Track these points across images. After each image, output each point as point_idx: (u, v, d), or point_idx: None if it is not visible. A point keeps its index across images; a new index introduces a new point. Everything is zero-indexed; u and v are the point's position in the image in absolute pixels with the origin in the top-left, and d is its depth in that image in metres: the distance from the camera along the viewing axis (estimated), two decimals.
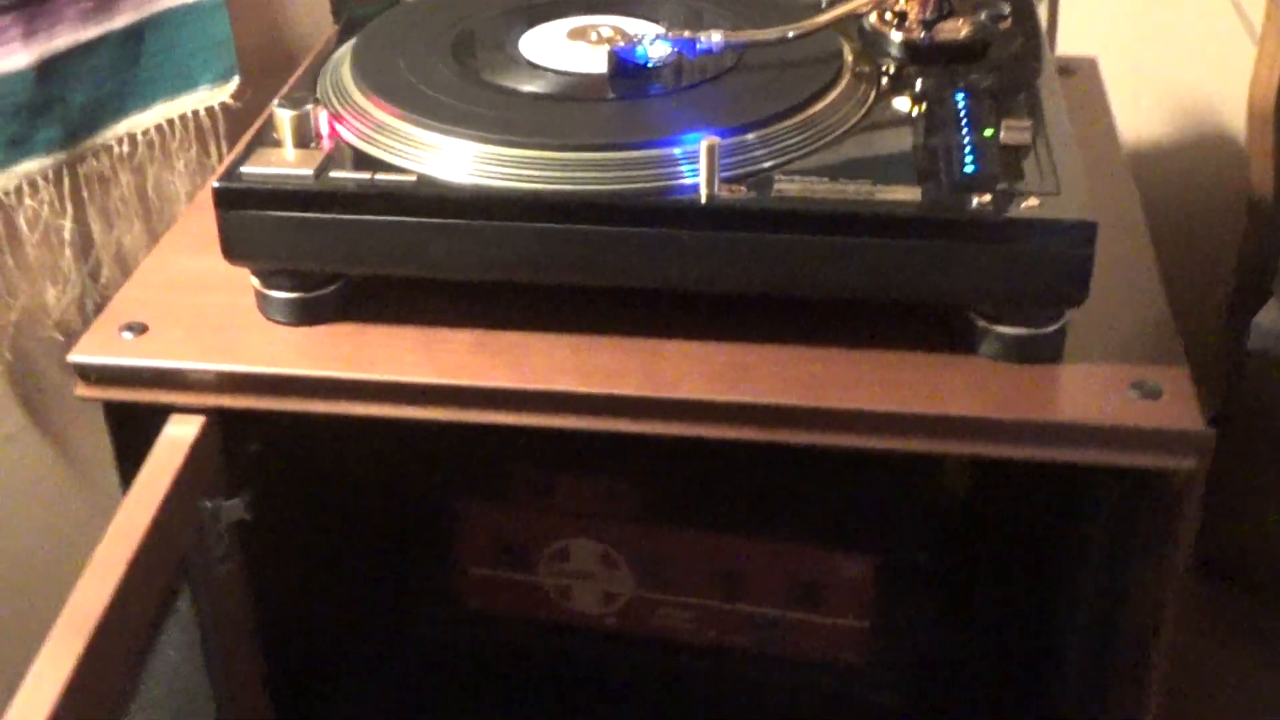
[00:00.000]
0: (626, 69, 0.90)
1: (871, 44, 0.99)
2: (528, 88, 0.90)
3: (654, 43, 0.90)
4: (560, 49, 0.95)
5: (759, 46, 0.92)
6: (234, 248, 0.85)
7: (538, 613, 1.03)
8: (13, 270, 1.09)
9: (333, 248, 0.84)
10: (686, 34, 0.90)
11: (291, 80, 1.00)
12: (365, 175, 0.83)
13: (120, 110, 1.13)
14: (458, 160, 0.83)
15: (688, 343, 0.85)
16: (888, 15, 0.99)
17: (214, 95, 1.17)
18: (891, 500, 0.96)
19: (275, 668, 0.97)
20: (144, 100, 1.14)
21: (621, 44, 0.90)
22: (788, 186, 0.81)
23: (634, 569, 1.01)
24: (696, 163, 0.80)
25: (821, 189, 0.81)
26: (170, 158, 1.17)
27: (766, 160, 0.84)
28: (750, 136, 0.84)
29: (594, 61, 0.92)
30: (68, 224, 1.11)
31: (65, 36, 1.07)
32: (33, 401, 1.14)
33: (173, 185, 1.18)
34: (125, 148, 1.14)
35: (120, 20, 1.11)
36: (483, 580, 1.03)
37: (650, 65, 0.90)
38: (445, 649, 1.09)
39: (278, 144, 0.86)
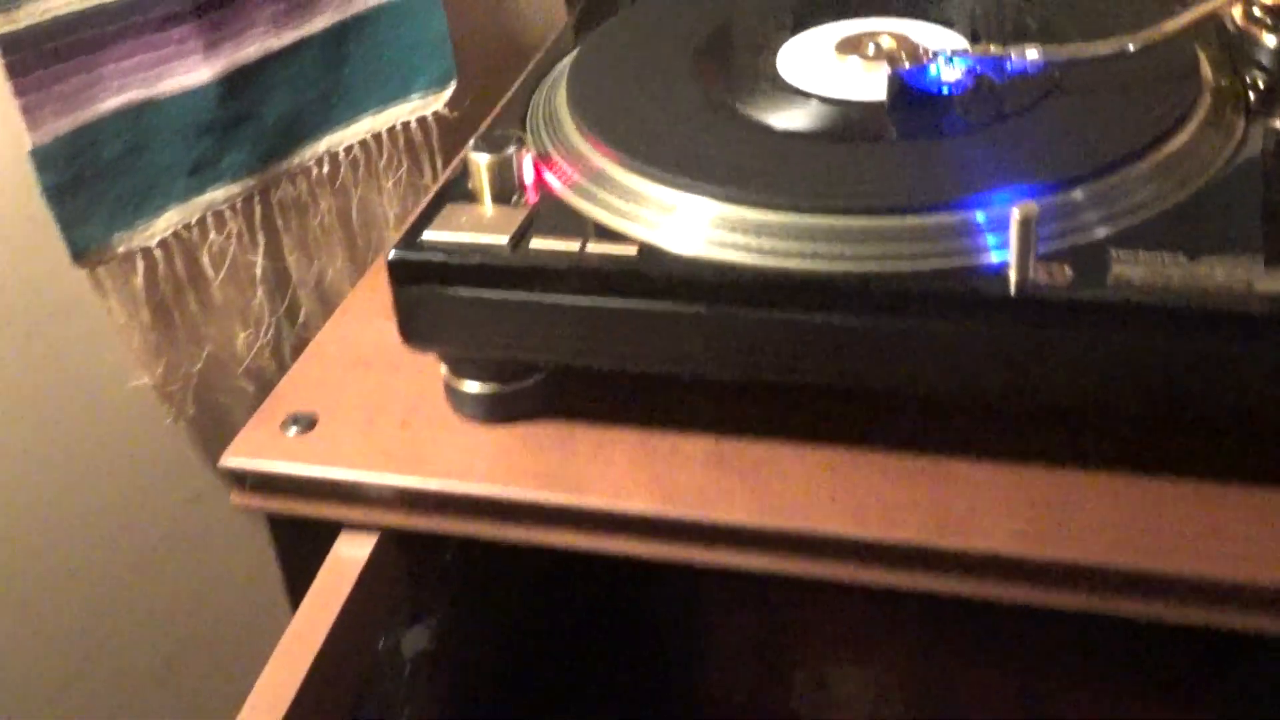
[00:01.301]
0: (912, 96, 0.70)
1: (1235, 49, 0.76)
2: (784, 122, 0.71)
3: (950, 61, 0.69)
4: (828, 65, 0.75)
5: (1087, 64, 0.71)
6: (412, 330, 0.68)
7: None
8: (195, 314, 0.95)
9: (532, 333, 0.66)
10: (993, 49, 0.69)
11: (503, 102, 0.82)
12: (574, 245, 0.65)
13: (321, 125, 0.98)
14: (692, 225, 0.65)
15: (984, 467, 0.65)
16: (1257, 11, 0.76)
17: (428, 104, 1.01)
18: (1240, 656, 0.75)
19: None
20: (348, 113, 0.99)
21: (906, 62, 0.70)
22: (1130, 270, 0.60)
23: (908, 703, 0.82)
24: (1004, 234, 0.60)
25: (1177, 273, 0.59)
26: (377, 177, 1.01)
27: (1100, 226, 0.63)
28: (1078, 194, 0.63)
29: (870, 85, 0.72)
30: (259, 259, 0.97)
31: (256, 44, 0.92)
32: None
33: (380, 208, 1.02)
34: (326, 168, 0.99)
35: (320, 21, 0.95)
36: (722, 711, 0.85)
37: (944, 93, 0.70)
38: None
39: (472, 197, 0.69)
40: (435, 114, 1.02)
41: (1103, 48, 0.70)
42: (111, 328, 0.92)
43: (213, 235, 0.94)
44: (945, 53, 0.69)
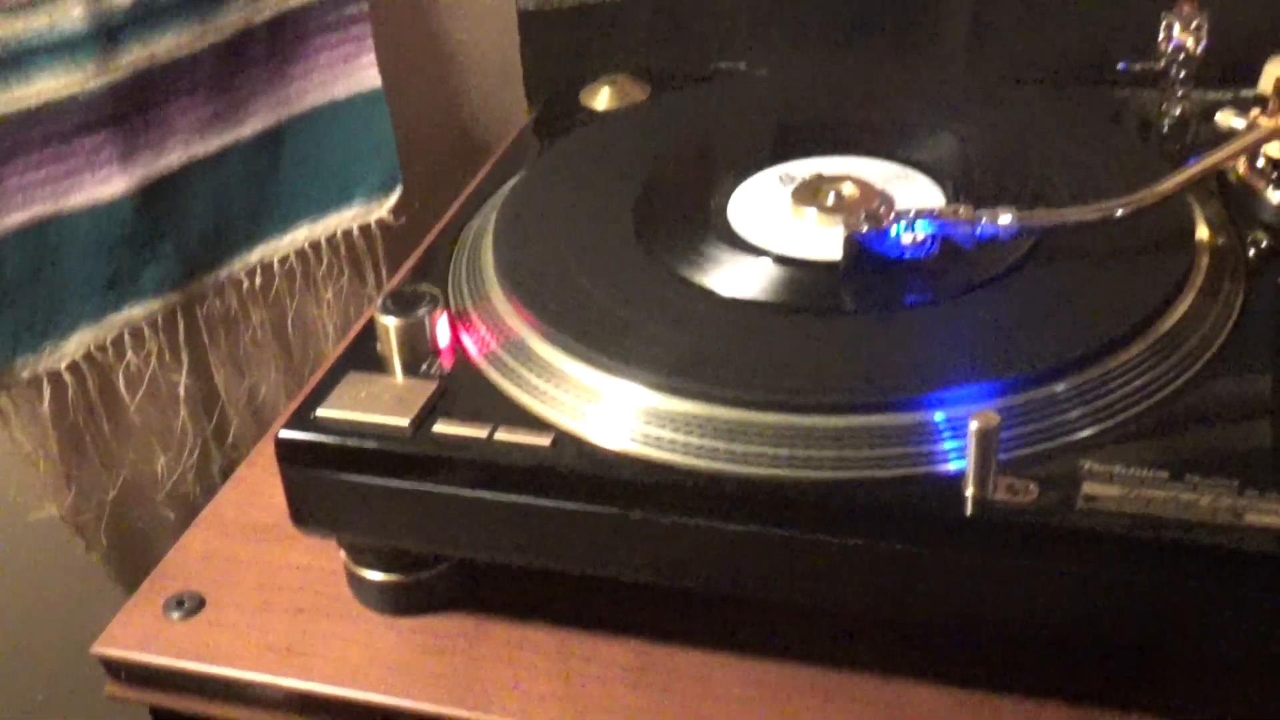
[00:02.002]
0: (871, 261, 0.63)
1: (1236, 204, 0.69)
2: (730, 286, 0.63)
3: (911, 228, 0.62)
4: (783, 215, 0.68)
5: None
6: (303, 513, 0.61)
7: None
8: (110, 438, 0.88)
9: (434, 524, 0.59)
10: (962, 212, 0.62)
11: (429, 240, 0.75)
12: (482, 431, 0.58)
13: (252, 235, 0.91)
14: (616, 414, 0.57)
15: (945, 695, 0.57)
16: (1260, 163, 0.69)
17: (370, 211, 0.94)
18: None
19: None
20: (283, 221, 0.92)
21: (864, 224, 0.62)
22: (1103, 491, 0.52)
23: None
24: (965, 439, 0.53)
25: (1157, 496, 0.52)
26: (315, 288, 0.94)
27: (1077, 427, 0.55)
28: (1052, 389, 0.56)
29: (828, 240, 0.65)
30: (183, 377, 0.90)
31: (178, 152, 0.85)
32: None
33: (319, 320, 0.95)
34: (258, 280, 0.92)
35: (252, 125, 0.88)
36: None
37: (905, 257, 0.62)
38: None
39: (380, 363, 0.62)
40: (379, 221, 0.94)
41: (1087, 213, 0.62)
42: (15, 455, 0.85)
43: (130, 355, 0.87)
44: (908, 214, 0.62)
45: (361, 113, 0.92)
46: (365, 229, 0.94)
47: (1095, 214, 0.62)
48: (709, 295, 0.63)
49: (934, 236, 0.62)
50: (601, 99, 0.83)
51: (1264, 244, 0.66)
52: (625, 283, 0.64)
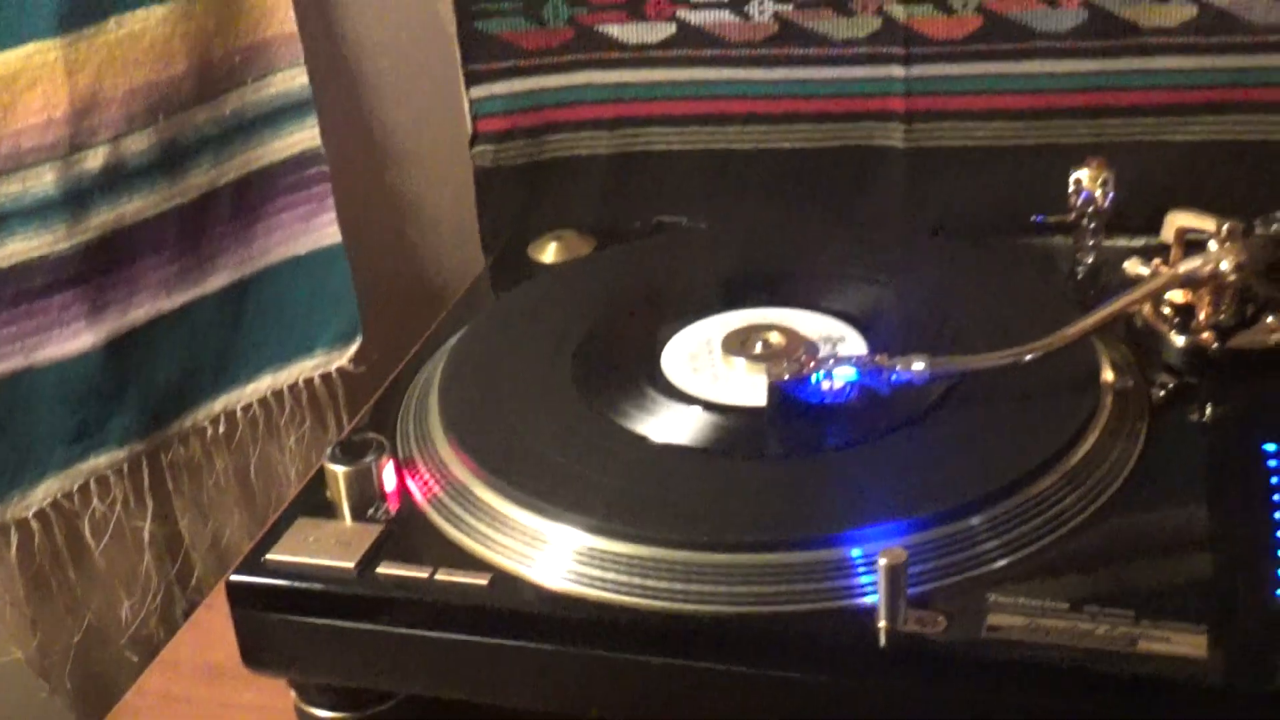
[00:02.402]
0: (794, 406, 0.66)
1: (1142, 348, 0.73)
2: (662, 432, 0.67)
3: (831, 373, 0.66)
4: (714, 364, 0.72)
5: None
6: (254, 655, 0.64)
7: None
8: (76, 583, 0.91)
9: (381, 662, 0.62)
10: (879, 359, 0.66)
11: (383, 389, 0.79)
12: (423, 572, 0.61)
13: (216, 385, 0.94)
14: (552, 555, 0.61)
15: None
16: (1165, 309, 0.73)
17: (332, 360, 0.97)
18: None
19: None
20: (246, 371, 0.95)
21: (786, 371, 0.66)
22: (1007, 621, 0.55)
23: None
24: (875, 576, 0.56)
25: (1055, 627, 0.55)
26: (278, 434, 0.98)
27: (991, 559, 0.59)
28: (961, 525, 0.59)
29: (756, 387, 0.69)
30: (147, 523, 0.93)
31: (145, 307, 0.89)
32: None
33: (282, 465, 0.98)
34: (222, 428, 0.95)
35: (217, 280, 0.92)
36: None
37: (826, 402, 0.66)
38: None
39: (329, 508, 0.65)
40: (340, 369, 0.98)
41: (996, 359, 0.66)
42: None
43: (95, 503, 0.90)
44: (827, 363, 0.66)
45: (322, 267, 0.96)
46: (327, 377, 0.98)
47: (1005, 359, 0.66)
48: (642, 442, 0.67)
49: (852, 383, 0.66)
50: (549, 253, 0.87)
51: (1168, 385, 0.70)
52: (563, 430, 0.67)
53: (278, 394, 0.97)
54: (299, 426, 0.98)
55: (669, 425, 0.67)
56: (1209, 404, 0.69)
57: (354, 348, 0.98)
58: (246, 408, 0.96)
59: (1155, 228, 0.78)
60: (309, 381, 0.98)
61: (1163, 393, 0.70)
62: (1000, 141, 0.92)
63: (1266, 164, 0.89)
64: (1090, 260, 0.81)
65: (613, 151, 0.99)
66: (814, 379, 0.66)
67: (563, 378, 0.71)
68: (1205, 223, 0.72)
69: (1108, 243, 0.81)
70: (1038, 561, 0.59)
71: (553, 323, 0.77)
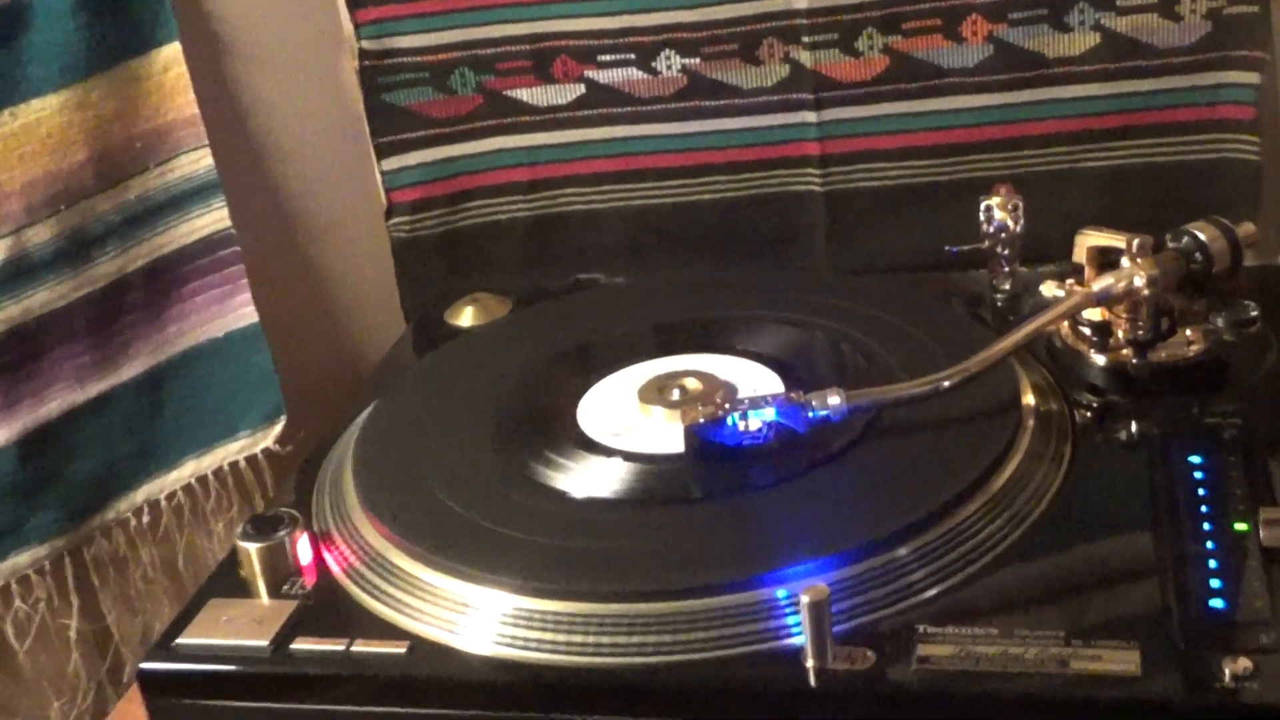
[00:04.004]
0: (712, 451, 0.65)
1: (1063, 366, 0.72)
2: (582, 486, 0.66)
3: (746, 414, 0.65)
4: (632, 414, 0.71)
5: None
6: None
7: None
8: (1, 687, 0.88)
9: None
10: (794, 397, 0.65)
11: (301, 462, 0.77)
12: (340, 645, 0.59)
13: (138, 475, 0.92)
14: (473, 617, 0.59)
15: None
16: (1084, 329, 0.72)
17: (256, 441, 0.96)
18: None
19: None
20: (169, 458, 0.93)
21: (700, 415, 0.65)
22: (937, 651, 0.54)
23: None
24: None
25: (986, 653, 0.54)
26: (205, 520, 0.95)
27: (920, 589, 0.57)
28: (887, 556, 0.58)
29: (675, 434, 0.67)
30: (74, 621, 0.90)
31: (58, 400, 0.87)
32: None
33: (209, 552, 0.96)
34: (146, 518, 0.93)
35: (132, 369, 0.91)
36: None
37: (744, 444, 0.65)
38: None
39: (244, 587, 0.63)
40: (265, 450, 0.96)
41: (914, 388, 0.65)
42: None
43: (17, 603, 0.87)
44: (742, 404, 0.65)
45: (241, 349, 0.94)
46: (252, 459, 0.96)
47: (923, 388, 0.65)
48: (563, 498, 0.65)
49: (770, 423, 0.65)
50: (465, 316, 0.86)
51: (1092, 404, 0.70)
52: (482, 492, 0.66)
53: (202, 480, 0.95)
54: (226, 511, 0.96)
55: (590, 479, 0.66)
56: (1133, 420, 0.68)
57: (278, 428, 0.96)
58: (170, 496, 0.94)
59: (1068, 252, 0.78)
60: (234, 465, 0.96)
61: (1088, 413, 0.69)
62: (917, 179, 0.93)
63: (1180, 186, 0.89)
64: (1007, 287, 0.81)
65: (531, 214, 0.98)
66: (730, 421, 0.65)
67: (480, 440, 0.70)
68: (1116, 240, 0.72)
69: (1025, 269, 0.81)
70: (967, 589, 0.58)
71: (468, 386, 0.76)
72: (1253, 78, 0.86)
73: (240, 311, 0.94)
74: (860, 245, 0.94)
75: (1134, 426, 0.68)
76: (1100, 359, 0.71)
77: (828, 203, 0.94)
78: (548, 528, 0.63)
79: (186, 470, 0.94)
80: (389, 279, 1.00)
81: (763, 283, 0.85)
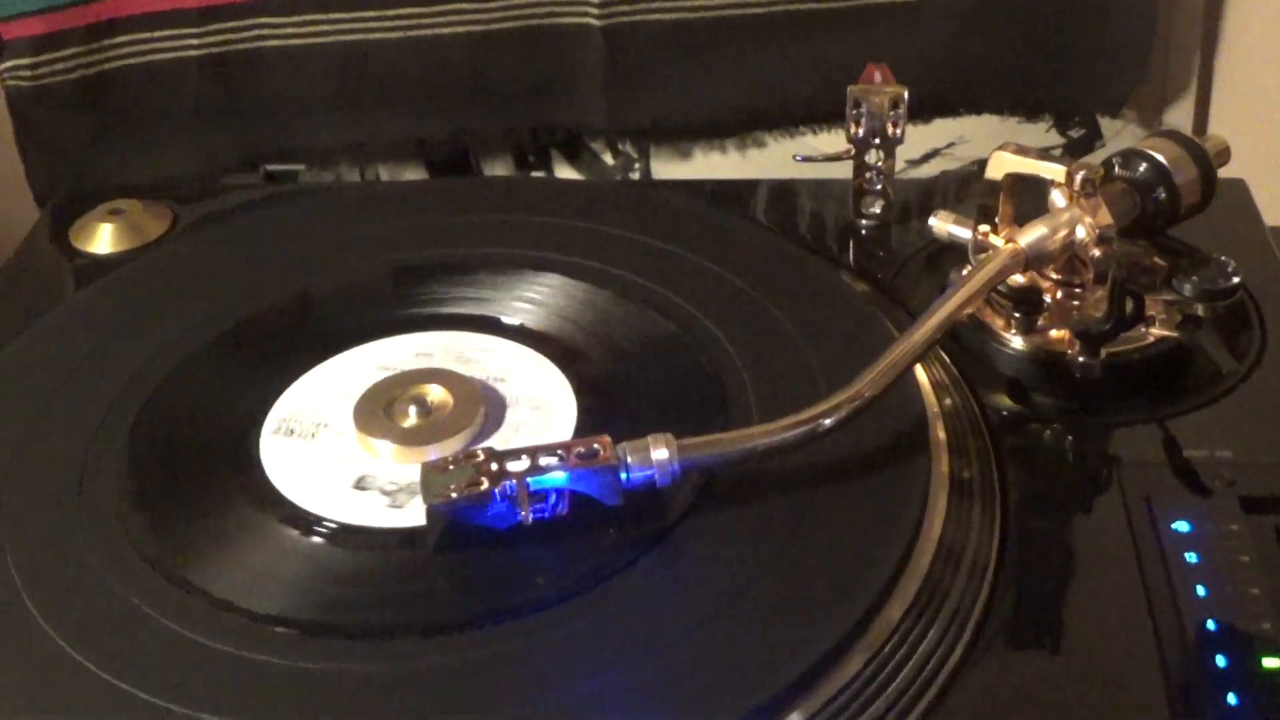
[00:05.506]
0: (468, 535, 0.42)
1: (965, 344, 0.51)
2: (260, 591, 0.41)
3: (530, 480, 0.41)
4: (346, 445, 0.46)
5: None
6: None
7: None
8: None
9: None
10: (601, 456, 0.41)
11: None
12: None
13: None
14: None
15: None
16: (998, 297, 0.50)
17: None
18: None
19: None
20: None
21: (456, 480, 0.41)
22: None
23: None
24: None
25: None
26: None
27: None
28: None
29: (409, 485, 0.43)
30: None
31: None
32: None
33: None
34: None
35: None
36: None
37: (522, 523, 0.42)
38: None
39: None
40: None
41: (782, 431, 0.42)
42: None
43: None
44: (519, 469, 0.41)
45: None
46: None
47: (794, 430, 0.42)
48: (232, 608, 0.41)
49: (560, 492, 0.41)
50: (99, 239, 0.59)
51: (1016, 420, 0.48)
52: (106, 603, 0.41)
53: None
54: None
55: (273, 577, 0.41)
56: (1080, 454, 0.47)
57: None
58: None
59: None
60: None
61: (1017, 441, 0.47)
62: (718, 12, 0.74)
63: (1058, 24, 0.71)
64: (877, 210, 0.58)
65: (204, 53, 0.74)
66: (499, 495, 0.41)
67: (102, 503, 0.44)
68: (1049, 169, 0.50)
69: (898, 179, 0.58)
70: None
71: (74, 386, 0.49)
72: None
73: None
74: (647, 97, 0.75)
75: (1084, 467, 0.47)
76: (1020, 342, 0.50)
77: (607, 39, 0.74)
78: (201, 665, 0.38)
79: None
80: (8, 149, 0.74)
81: (544, 196, 0.60)
